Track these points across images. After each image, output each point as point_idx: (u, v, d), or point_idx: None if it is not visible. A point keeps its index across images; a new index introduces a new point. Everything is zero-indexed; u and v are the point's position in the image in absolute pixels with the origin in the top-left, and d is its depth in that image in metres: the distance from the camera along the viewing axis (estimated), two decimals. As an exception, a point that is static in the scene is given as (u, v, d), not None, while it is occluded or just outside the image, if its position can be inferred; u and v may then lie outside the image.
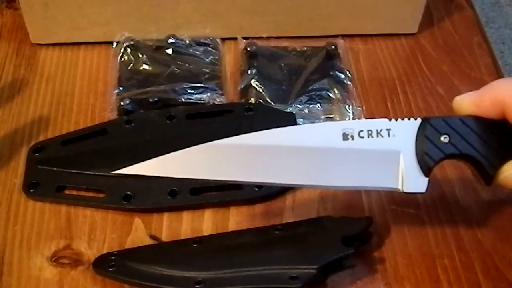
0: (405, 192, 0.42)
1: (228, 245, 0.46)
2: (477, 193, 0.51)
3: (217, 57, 0.59)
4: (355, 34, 0.62)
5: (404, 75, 0.60)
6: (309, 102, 0.56)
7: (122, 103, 0.54)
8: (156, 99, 0.55)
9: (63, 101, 0.56)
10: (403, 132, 0.42)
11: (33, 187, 0.50)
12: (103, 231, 0.48)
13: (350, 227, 0.46)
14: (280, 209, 0.50)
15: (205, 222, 0.49)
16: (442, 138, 0.41)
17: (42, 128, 0.54)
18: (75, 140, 0.52)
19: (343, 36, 0.62)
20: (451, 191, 0.51)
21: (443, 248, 0.48)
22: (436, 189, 0.51)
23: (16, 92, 0.57)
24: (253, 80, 0.56)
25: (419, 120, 0.42)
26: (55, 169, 0.51)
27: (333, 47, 0.59)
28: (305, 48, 0.60)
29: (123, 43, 0.59)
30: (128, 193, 0.49)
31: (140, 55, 0.58)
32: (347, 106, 0.56)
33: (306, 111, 0.55)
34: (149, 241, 0.47)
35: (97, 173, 0.50)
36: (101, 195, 0.50)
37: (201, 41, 0.60)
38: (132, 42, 0.59)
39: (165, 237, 0.48)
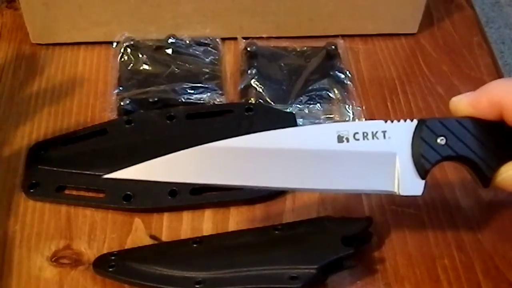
0: (401, 195, 0.42)
1: (228, 245, 0.46)
2: (477, 193, 0.51)
3: (217, 57, 0.59)
4: (355, 34, 0.62)
5: (404, 75, 0.60)
6: (309, 102, 0.55)
7: (122, 103, 0.54)
8: (156, 99, 0.55)
9: (63, 101, 0.56)
10: (399, 134, 0.41)
11: (33, 187, 0.50)
12: (103, 231, 0.48)
13: (350, 227, 0.46)
14: (280, 209, 0.50)
15: (205, 222, 0.49)
16: (438, 140, 0.41)
17: (42, 128, 0.54)
18: (75, 140, 0.52)
19: (343, 36, 0.62)
20: (451, 191, 0.51)
21: (443, 248, 0.48)
22: (436, 189, 0.51)
23: (16, 92, 0.57)
24: (253, 80, 0.56)
25: (415, 121, 0.42)
26: (55, 169, 0.51)
27: (333, 47, 0.59)
28: (305, 48, 0.60)
29: (123, 43, 0.59)
30: (128, 193, 0.49)
31: (140, 55, 0.58)
32: (347, 106, 0.56)
33: (306, 111, 0.55)
34: (149, 241, 0.47)
35: (97, 173, 0.50)
36: (101, 195, 0.50)
37: (201, 41, 0.60)
38: (132, 42, 0.59)
39: (165, 237, 0.48)
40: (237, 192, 0.49)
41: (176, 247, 0.47)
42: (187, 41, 0.60)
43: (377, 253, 0.47)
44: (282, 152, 0.41)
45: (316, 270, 0.43)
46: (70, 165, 0.51)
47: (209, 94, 0.56)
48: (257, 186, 0.43)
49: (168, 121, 0.53)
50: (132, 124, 0.53)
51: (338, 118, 0.55)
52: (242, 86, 0.57)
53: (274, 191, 0.50)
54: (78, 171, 0.50)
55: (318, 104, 0.55)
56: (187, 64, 0.58)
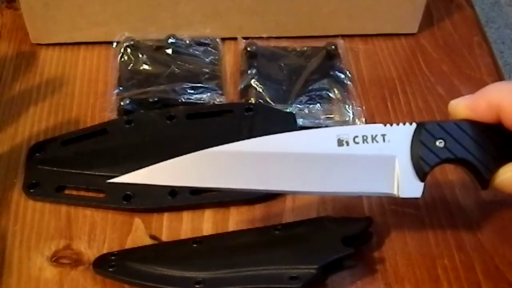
0: (401, 198, 0.42)
1: (228, 245, 0.46)
2: (477, 193, 0.51)
3: (217, 57, 0.59)
4: (355, 34, 0.62)
5: (404, 75, 0.60)
6: (309, 102, 0.55)
7: (122, 103, 0.54)
8: (156, 99, 0.55)
9: (63, 101, 0.56)
10: (398, 137, 0.42)
11: (33, 187, 0.50)
12: (103, 231, 0.48)
13: (350, 227, 0.46)
14: (280, 209, 0.50)
15: (205, 222, 0.49)
16: (437, 143, 0.41)
17: (42, 128, 0.54)
18: (75, 140, 0.52)
19: (343, 36, 0.62)
20: (451, 192, 0.51)
21: (443, 248, 0.48)
22: (436, 189, 0.51)
23: (16, 92, 0.57)
24: (253, 80, 0.56)
25: (414, 125, 0.42)
26: (55, 169, 0.51)
27: (333, 47, 0.59)
28: (305, 48, 0.60)
29: (123, 43, 0.59)
30: (128, 193, 0.49)
31: (140, 55, 0.58)
32: (347, 106, 0.56)
33: (306, 111, 0.55)
34: (149, 241, 0.47)
35: (97, 173, 0.50)
36: (101, 195, 0.50)
37: (201, 41, 0.60)
38: (132, 42, 0.59)
39: (165, 237, 0.48)
40: (237, 192, 0.49)
41: (176, 247, 0.47)
42: (187, 41, 0.60)
43: (377, 253, 0.47)
44: (283, 156, 0.41)
45: (316, 270, 0.43)
46: (70, 165, 0.51)
47: (209, 94, 0.56)
48: (259, 190, 0.43)
49: (168, 121, 0.53)
50: (132, 124, 0.53)
51: (338, 118, 0.55)
52: (242, 86, 0.57)
53: (274, 191, 0.50)
54: (78, 171, 0.50)
55: (318, 104, 0.55)
56: (187, 64, 0.58)
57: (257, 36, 0.61)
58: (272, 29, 0.61)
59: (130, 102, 0.54)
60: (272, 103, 0.55)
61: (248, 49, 0.59)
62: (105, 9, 0.58)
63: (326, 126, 0.55)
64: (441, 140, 0.41)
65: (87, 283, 0.45)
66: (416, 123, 0.42)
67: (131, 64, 0.58)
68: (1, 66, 0.58)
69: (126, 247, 0.47)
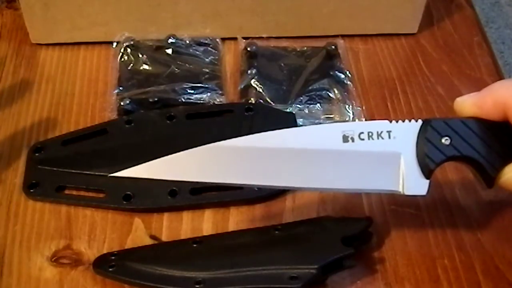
0: (406, 195, 0.42)
1: (228, 245, 0.46)
2: (477, 193, 0.51)
3: (217, 57, 0.59)
4: (355, 34, 0.62)
5: (404, 75, 0.60)
6: (309, 102, 0.55)
7: (122, 103, 0.54)
8: (156, 99, 0.55)
9: (63, 101, 0.56)
10: (404, 134, 0.41)
11: (33, 187, 0.50)
12: (103, 231, 0.48)
13: (350, 227, 0.46)
14: (280, 209, 0.50)
15: (205, 222, 0.49)
16: (443, 140, 0.41)
17: (42, 128, 0.54)
18: (75, 140, 0.52)
19: (343, 36, 0.62)
20: (451, 192, 0.51)
21: (443, 248, 0.48)
22: (436, 189, 0.51)
23: (16, 92, 0.57)
24: (253, 80, 0.56)
25: (420, 122, 0.42)
26: (55, 169, 0.51)
27: (333, 47, 0.59)
28: (305, 48, 0.60)
29: (123, 43, 0.59)
30: (128, 193, 0.49)
31: (140, 55, 0.58)
32: (347, 106, 0.56)
33: (306, 111, 0.55)
34: (149, 241, 0.47)
35: (97, 173, 0.50)
36: (101, 195, 0.50)
37: (201, 41, 0.60)
38: (132, 42, 0.59)
39: (165, 237, 0.48)
40: (237, 192, 0.49)
41: (176, 247, 0.47)
42: (187, 41, 0.60)
43: (377, 253, 0.47)
44: (287, 151, 0.41)
45: (316, 270, 0.43)
46: (70, 165, 0.51)
47: (209, 94, 0.56)
48: (263, 185, 0.43)
49: (168, 121, 0.53)
50: (132, 124, 0.53)
51: (338, 118, 0.55)
52: (242, 86, 0.57)
53: (274, 191, 0.50)
54: (78, 171, 0.50)
55: (318, 104, 0.55)
56: (187, 64, 0.58)
57: (257, 36, 0.61)
58: (272, 29, 0.61)
59: (130, 102, 0.54)
60: (272, 103, 0.55)
61: (248, 49, 0.59)
62: (105, 9, 0.58)
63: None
64: (447, 137, 0.41)
65: (87, 283, 0.45)
66: (422, 120, 0.42)
67: (131, 64, 0.58)
68: (1, 66, 0.58)
69: (126, 247, 0.47)
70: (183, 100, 0.55)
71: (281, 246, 0.45)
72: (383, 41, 0.62)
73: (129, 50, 0.58)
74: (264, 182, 0.42)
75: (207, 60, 0.59)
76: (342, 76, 0.58)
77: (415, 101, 0.57)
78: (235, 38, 0.61)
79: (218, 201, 0.49)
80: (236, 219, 0.49)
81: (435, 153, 0.41)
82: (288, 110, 0.55)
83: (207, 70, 0.58)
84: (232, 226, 0.48)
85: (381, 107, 0.57)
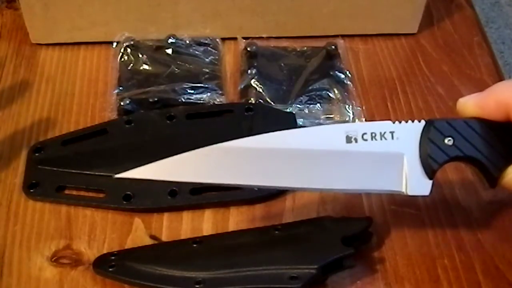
0: (409, 195, 0.42)
1: (228, 245, 0.46)
2: (478, 193, 0.51)
3: (217, 57, 0.59)
4: (355, 34, 0.62)
5: (404, 75, 0.60)
6: (309, 102, 0.56)
7: (122, 103, 0.54)
8: (156, 99, 0.55)
9: (63, 101, 0.56)
10: (407, 135, 0.42)
11: (33, 187, 0.50)
12: (103, 231, 0.48)
13: (350, 227, 0.46)
14: (280, 209, 0.50)
15: (205, 222, 0.49)
16: (446, 141, 0.41)
17: (42, 128, 0.54)
18: (75, 140, 0.52)
19: (343, 36, 0.62)
20: (451, 192, 0.51)
21: (443, 248, 0.48)
22: (437, 189, 0.50)
23: (16, 92, 0.57)
24: (253, 80, 0.56)
25: (423, 122, 0.42)
26: (55, 169, 0.51)
27: (333, 47, 0.59)
28: (305, 48, 0.60)
29: (123, 43, 0.59)
30: (128, 193, 0.49)
31: (140, 55, 0.58)
32: (347, 106, 0.56)
33: (306, 111, 0.55)
34: (149, 241, 0.47)
35: (97, 173, 0.50)
36: (101, 195, 0.50)
37: (201, 41, 0.60)
38: (132, 42, 0.59)
39: (165, 237, 0.48)
40: (237, 192, 0.49)
41: (176, 247, 0.47)
42: (187, 41, 0.60)
43: (377, 253, 0.47)
44: (291, 152, 0.41)
45: (316, 270, 0.43)
46: (70, 165, 0.51)
47: (209, 94, 0.56)
48: (266, 186, 0.43)
49: (168, 121, 0.53)
50: (132, 124, 0.53)
51: (338, 118, 0.55)
52: (242, 86, 0.57)
53: (274, 191, 0.50)
54: (78, 171, 0.50)
55: (318, 104, 0.55)
56: (187, 64, 0.58)
57: (257, 36, 0.61)
58: (272, 29, 0.61)
59: (130, 102, 0.54)
60: (272, 103, 0.55)
61: (248, 49, 0.59)
62: (105, 9, 0.58)
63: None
64: (450, 138, 0.41)
65: (87, 283, 0.45)
66: (425, 121, 0.42)
67: (131, 64, 0.58)
68: (1, 66, 0.58)
69: (126, 247, 0.47)
70: (183, 100, 0.55)
71: (281, 246, 0.45)
72: (383, 41, 0.62)
73: (129, 50, 0.58)
74: (267, 183, 0.42)
75: (207, 60, 0.59)
76: (342, 76, 0.58)
77: (415, 101, 0.57)
78: (235, 38, 0.61)
79: (218, 201, 0.49)
80: (236, 219, 0.49)
81: (438, 153, 0.41)
82: (288, 110, 0.55)
83: (207, 70, 0.58)
84: (232, 226, 0.48)
85: (381, 107, 0.57)
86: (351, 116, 0.55)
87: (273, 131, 0.52)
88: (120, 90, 0.56)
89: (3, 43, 0.61)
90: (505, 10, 1.36)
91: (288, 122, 0.53)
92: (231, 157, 0.41)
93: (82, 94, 0.57)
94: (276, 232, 0.47)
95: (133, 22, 0.59)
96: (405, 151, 0.42)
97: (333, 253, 0.43)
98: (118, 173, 0.49)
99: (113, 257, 0.45)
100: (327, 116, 0.55)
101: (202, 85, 0.56)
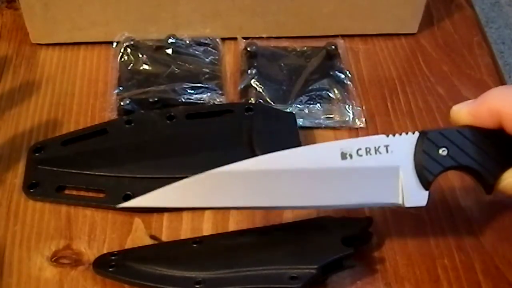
0: (406, 207, 0.42)
1: (228, 245, 0.46)
2: (477, 193, 0.50)
3: (217, 57, 0.59)
4: (355, 34, 0.62)
5: (404, 75, 0.60)
6: (309, 102, 0.56)
7: (122, 103, 0.54)
8: (156, 99, 0.55)
9: (63, 101, 0.56)
10: (401, 148, 0.42)
11: (33, 187, 0.50)
12: (103, 231, 0.48)
13: (350, 227, 0.46)
14: (280, 209, 0.50)
15: (205, 222, 0.49)
16: (440, 151, 0.42)
17: (42, 128, 0.54)
18: (75, 140, 0.52)
19: (343, 36, 0.62)
20: (451, 192, 0.51)
21: (443, 248, 0.48)
22: (436, 189, 0.51)
23: (16, 92, 0.57)
24: (253, 80, 0.56)
25: (416, 134, 0.42)
26: (55, 169, 0.51)
27: (333, 47, 0.59)
28: (305, 48, 0.60)
29: (123, 43, 0.59)
30: (128, 193, 0.49)
31: (140, 55, 0.58)
32: (347, 106, 0.56)
33: (306, 111, 0.55)
34: (149, 241, 0.47)
35: (97, 173, 0.50)
36: (101, 195, 0.50)
37: (201, 41, 0.60)
38: (132, 42, 0.59)
39: (165, 237, 0.48)
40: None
41: (176, 247, 0.47)
42: (187, 41, 0.60)
43: (377, 253, 0.47)
44: (287, 172, 0.42)
45: (316, 270, 0.43)
46: (70, 165, 0.51)
47: (209, 94, 0.56)
48: (266, 207, 0.44)
49: (168, 121, 0.53)
50: (132, 124, 0.53)
51: (338, 118, 0.55)
52: (242, 86, 0.57)
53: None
54: (78, 171, 0.50)
55: (318, 104, 0.55)
56: (187, 64, 0.58)
57: (257, 36, 0.61)
58: (272, 29, 0.61)
59: (130, 102, 0.54)
60: (272, 103, 0.55)
61: (248, 49, 0.59)
62: (105, 9, 0.58)
63: (326, 126, 0.55)
64: (444, 148, 0.42)
65: (87, 283, 0.45)
66: (419, 132, 0.42)
67: (131, 64, 0.58)
68: (1, 66, 0.58)
69: (126, 247, 0.47)
70: (183, 100, 0.55)
71: (281, 246, 0.45)
72: (383, 41, 0.62)
73: (129, 50, 0.58)
74: (267, 204, 0.43)
75: (207, 60, 0.59)
76: (342, 76, 0.58)
77: (415, 101, 0.57)
78: (235, 38, 0.61)
79: (218, 201, 0.49)
80: (236, 219, 0.49)
81: (432, 164, 0.42)
82: (288, 110, 0.55)
83: (207, 70, 0.58)
84: (232, 226, 0.48)
85: (381, 107, 0.57)
86: (351, 116, 0.55)
87: (273, 131, 0.52)
88: (120, 90, 0.56)
89: (3, 43, 0.61)
90: (505, 10, 1.36)
91: (288, 122, 0.53)
92: (228, 182, 0.42)
93: (82, 94, 0.57)
94: (276, 232, 0.47)
95: (133, 22, 0.59)
96: (400, 163, 0.42)
97: (333, 253, 0.43)
98: (118, 173, 0.50)
99: (113, 257, 0.45)
100: (327, 116, 0.55)
101: (202, 85, 0.56)
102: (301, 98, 0.56)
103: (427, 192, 0.42)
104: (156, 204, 0.43)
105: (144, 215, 0.49)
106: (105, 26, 0.59)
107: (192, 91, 0.56)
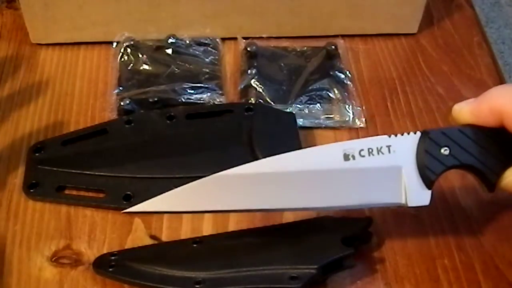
0: (409, 207, 0.42)
1: (228, 245, 0.46)
2: (478, 193, 0.50)
3: (217, 57, 0.59)
4: (355, 34, 0.62)
5: (404, 75, 0.60)
6: (309, 102, 0.56)
7: (122, 103, 0.54)
8: (156, 99, 0.55)
9: (63, 101, 0.56)
10: (403, 148, 0.42)
11: (33, 187, 0.50)
12: (103, 231, 0.48)
13: (350, 227, 0.46)
14: (280, 209, 0.50)
15: (205, 222, 0.49)
16: (442, 151, 0.42)
17: (42, 128, 0.54)
18: (75, 140, 0.52)
19: (343, 36, 0.62)
20: (451, 192, 0.51)
21: (443, 248, 0.48)
22: (436, 189, 0.50)
23: (16, 92, 0.57)
24: (253, 80, 0.56)
25: (418, 134, 0.42)
26: (55, 169, 0.51)
27: (333, 47, 0.59)
28: (305, 48, 0.60)
29: (123, 43, 0.59)
30: (128, 193, 0.49)
31: (140, 55, 0.58)
32: (347, 106, 0.56)
33: (306, 111, 0.55)
34: (149, 241, 0.47)
35: (97, 173, 0.50)
36: (101, 195, 0.50)
37: (201, 41, 0.60)
38: (132, 42, 0.59)
39: (165, 237, 0.48)
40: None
41: (176, 247, 0.47)
42: (187, 41, 0.60)
43: (377, 253, 0.47)
44: (291, 175, 0.42)
45: (316, 270, 0.43)
46: (70, 165, 0.51)
47: (209, 94, 0.56)
48: (269, 210, 0.44)
49: (168, 121, 0.53)
50: (132, 124, 0.53)
51: (338, 118, 0.55)
52: (242, 86, 0.57)
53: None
54: (78, 171, 0.50)
55: (318, 104, 0.55)
56: (187, 64, 0.58)
57: (257, 36, 0.61)
58: (272, 29, 0.61)
59: (130, 102, 0.54)
60: (272, 103, 0.55)
61: (248, 49, 0.59)
62: (105, 9, 0.58)
63: (326, 126, 0.55)
64: (446, 148, 0.42)
65: (87, 283, 0.45)
66: (421, 132, 0.42)
67: (131, 64, 0.58)
68: (1, 66, 0.58)
69: (126, 247, 0.47)
70: (183, 100, 0.55)
71: (281, 246, 0.45)
72: (383, 41, 0.62)
73: (129, 50, 0.58)
74: (270, 206, 0.43)
75: (207, 60, 0.59)
76: (342, 76, 0.58)
77: (415, 101, 0.57)
78: (235, 38, 0.61)
79: (218, 201, 0.49)
80: (236, 219, 0.49)
81: (435, 164, 0.42)
82: (288, 110, 0.55)
83: (207, 70, 0.58)
84: (232, 226, 0.48)
85: (381, 107, 0.57)
86: (351, 116, 0.55)
87: (273, 131, 0.52)
88: (120, 90, 0.56)
89: (3, 43, 0.61)
90: (505, 10, 1.36)
91: (288, 122, 0.53)
92: (231, 185, 0.42)
93: (82, 94, 0.57)
94: (276, 232, 0.47)
95: (133, 22, 0.59)
96: (403, 163, 0.42)
97: (333, 253, 0.43)
98: (118, 173, 0.50)
99: (113, 257, 0.45)
100: (327, 116, 0.55)
101: (202, 85, 0.56)
102: (301, 98, 0.56)
103: (429, 192, 0.42)
104: (161, 209, 0.43)
105: (144, 215, 0.49)
106: (105, 26, 0.59)
107: (192, 91, 0.56)
